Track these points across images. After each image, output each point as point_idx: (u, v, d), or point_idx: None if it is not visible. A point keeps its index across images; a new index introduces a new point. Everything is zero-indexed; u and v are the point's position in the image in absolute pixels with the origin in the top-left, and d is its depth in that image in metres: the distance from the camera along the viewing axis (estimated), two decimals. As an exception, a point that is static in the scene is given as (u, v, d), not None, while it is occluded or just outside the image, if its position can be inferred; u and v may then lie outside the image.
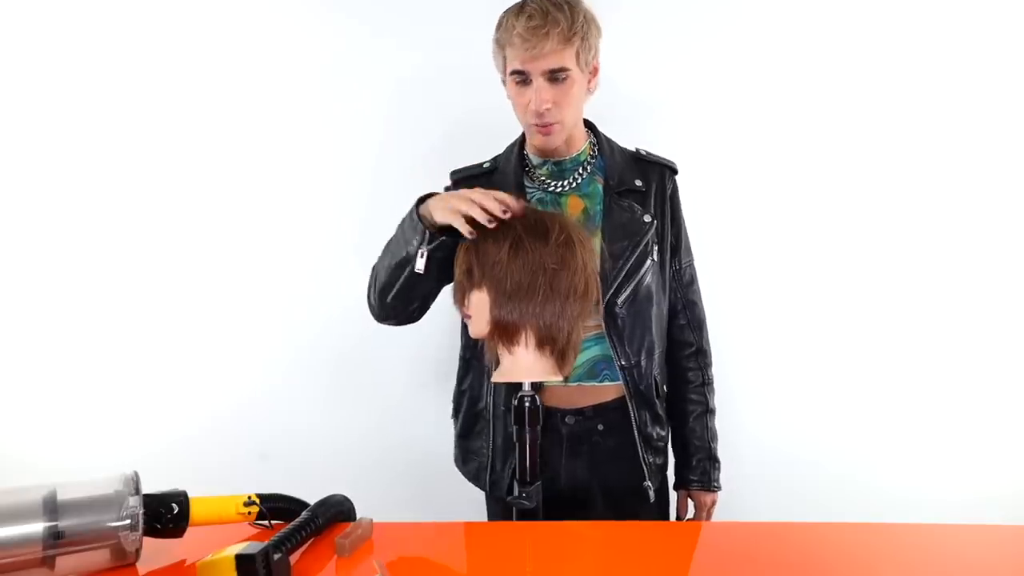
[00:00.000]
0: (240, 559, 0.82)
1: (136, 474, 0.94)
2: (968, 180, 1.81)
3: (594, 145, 1.36)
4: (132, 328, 1.86)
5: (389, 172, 1.83)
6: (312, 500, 1.04)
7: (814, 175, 1.83)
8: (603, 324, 1.27)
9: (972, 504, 1.73)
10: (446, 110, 1.80)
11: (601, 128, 1.39)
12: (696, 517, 1.42)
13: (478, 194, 1.10)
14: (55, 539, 0.86)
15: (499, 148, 1.40)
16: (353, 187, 1.85)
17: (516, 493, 1.11)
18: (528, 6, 1.18)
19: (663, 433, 1.37)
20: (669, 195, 1.36)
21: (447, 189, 1.35)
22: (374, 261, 1.26)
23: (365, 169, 1.85)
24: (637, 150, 1.38)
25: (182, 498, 0.96)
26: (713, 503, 1.42)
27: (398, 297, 1.22)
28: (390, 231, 1.22)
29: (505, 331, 1.08)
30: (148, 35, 1.80)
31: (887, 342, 1.85)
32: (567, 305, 1.08)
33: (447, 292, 1.21)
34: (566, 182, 1.31)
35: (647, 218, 1.31)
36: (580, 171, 1.32)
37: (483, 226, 1.09)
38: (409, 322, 1.29)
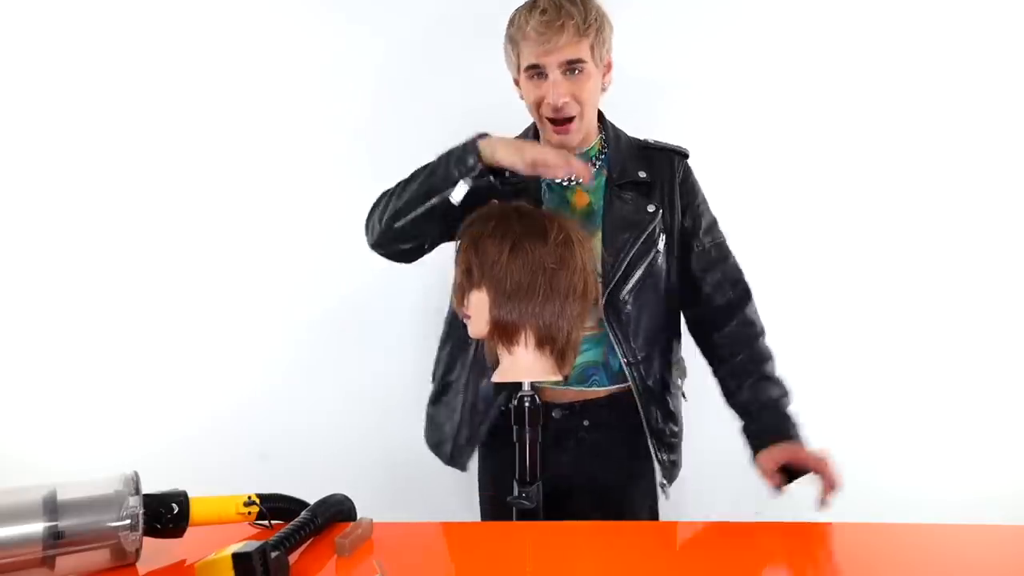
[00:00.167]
0: (237, 557, 0.82)
1: (136, 474, 0.93)
2: (968, 181, 1.81)
3: (604, 140, 1.35)
4: (132, 328, 1.86)
5: (389, 172, 1.82)
6: (312, 500, 1.04)
7: (814, 175, 1.83)
8: (604, 321, 1.26)
9: (972, 504, 1.72)
10: (446, 110, 1.80)
11: (610, 115, 1.37)
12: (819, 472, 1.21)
13: (552, 155, 1.14)
14: (55, 539, 0.86)
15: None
16: (353, 187, 1.84)
17: (516, 493, 1.11)
18: (541, 2, 1.19)
19: (676, 429, 1.36)
20: (680, 181, 1.34)
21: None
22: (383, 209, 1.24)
23: (365, 169, 1.84)
24: (646, 140, 1.37)
25: (182, 498, 0.96)
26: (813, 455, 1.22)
27: (412, 224, 1.20)
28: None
29: (505, 331, 1.08)
30: (148, 35, 1.80)
31: (887, 342, 1.85)
32: (567, 305, 1.08)
33: (447, 292, 1.21)
34: (574, 176, 1.29)
35: (651, 208, 1.30)
36: (589, 165, 1.30)
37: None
38: (398, 257, 1.28)
